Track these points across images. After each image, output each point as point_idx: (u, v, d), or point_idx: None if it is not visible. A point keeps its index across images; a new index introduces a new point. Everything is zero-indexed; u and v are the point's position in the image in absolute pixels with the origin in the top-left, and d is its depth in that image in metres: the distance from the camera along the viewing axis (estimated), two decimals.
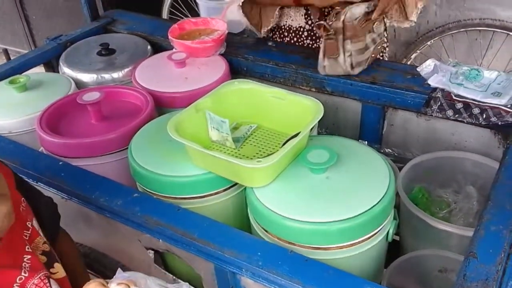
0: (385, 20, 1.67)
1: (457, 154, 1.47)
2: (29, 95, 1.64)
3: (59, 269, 0.97)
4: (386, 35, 1.82)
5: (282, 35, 1.86)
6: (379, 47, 1.58)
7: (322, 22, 1.46)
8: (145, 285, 0.78)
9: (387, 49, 1.85)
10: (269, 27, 1.79)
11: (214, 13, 2.24)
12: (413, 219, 1.29)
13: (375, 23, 1.50)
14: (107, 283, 0.78)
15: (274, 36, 1.90)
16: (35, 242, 0.95)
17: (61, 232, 1.15)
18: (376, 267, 1.21)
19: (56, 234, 1.11)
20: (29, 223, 0.96)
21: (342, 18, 1.42)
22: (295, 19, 1.77)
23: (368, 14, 1.48)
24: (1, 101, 1.62)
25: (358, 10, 1.43)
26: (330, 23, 1.44)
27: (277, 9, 1.75)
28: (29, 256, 0.90)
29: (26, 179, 1.27)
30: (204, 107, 1.30)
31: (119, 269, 0.80)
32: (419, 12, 1.60)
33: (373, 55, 1.56)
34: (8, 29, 4.04)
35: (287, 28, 1.83)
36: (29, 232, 0.95)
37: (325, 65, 1.56)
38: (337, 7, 1.48)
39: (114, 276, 0.78)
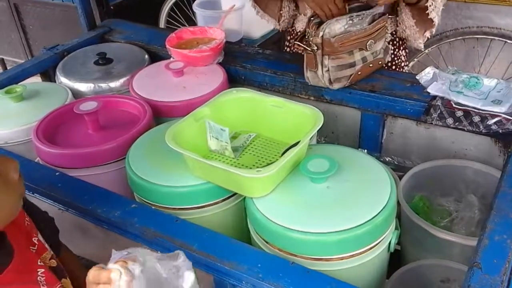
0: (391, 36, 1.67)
1: (458, 162, 1.46)
2: (26, 105, 1.63)
3: (67, 285, 0.95)
4: (405, 54, 1.79)
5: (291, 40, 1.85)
6: (371, 65, 1.55)
7: (297, 42, 1.49)
8: (143, 260, 0.75)
9: (405, 68, 1.82)
10: (287, 19, 1.80)
11: (211, 22, 2.24)
12: (415, 228, 1.28)
13: (369, 41, 1.49)
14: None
15: (289, 41, 1.89)
16: (42, 258, 0.93)
17: (63, 247, 1.13)
18: (378, 278, 1.19)
19: (59, 249, 1.09)
20: (34, 239, 0.94)
21: (320, 34, 1.43)
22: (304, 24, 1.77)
23: (358, 32, 1.46)
24: None
25: (338, 26, 1.43)
26: (311, 38, 1.45)
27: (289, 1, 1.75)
28: (42, 270, 0.88)
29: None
30: (202, 116, 1.29)
31: (113, 250, 0.76)
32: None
33: (359, 73, 1.53)
34: (5, 39, 4.04)
35: (298, 33, 1.81)
36: (35, 248, 0.93)
37: (308, 76, 1.57)
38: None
39: (111, 257, 0.75)
